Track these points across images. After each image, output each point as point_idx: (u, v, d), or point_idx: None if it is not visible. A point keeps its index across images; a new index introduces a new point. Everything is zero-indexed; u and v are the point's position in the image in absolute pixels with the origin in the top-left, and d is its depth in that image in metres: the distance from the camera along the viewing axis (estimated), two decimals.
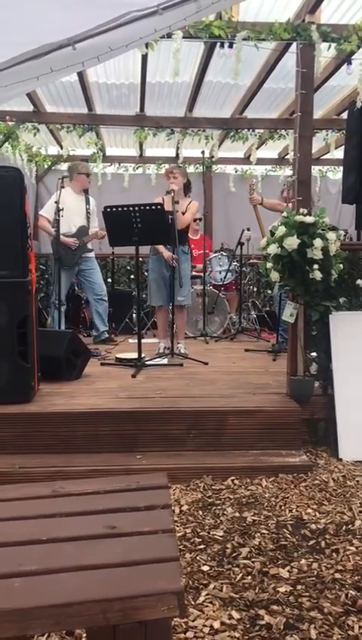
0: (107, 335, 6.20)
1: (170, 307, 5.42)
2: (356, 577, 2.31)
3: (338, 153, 6.76)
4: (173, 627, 2.00)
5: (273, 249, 3.73)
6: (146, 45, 3.99)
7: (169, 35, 3.86)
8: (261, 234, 5.48)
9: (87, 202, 6.08)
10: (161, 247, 5.25)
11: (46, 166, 8.43)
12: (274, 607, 2.10)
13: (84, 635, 1.82)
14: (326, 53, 4.01)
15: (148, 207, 4.55)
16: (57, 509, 1.41)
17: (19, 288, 3.75)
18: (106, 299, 6.15)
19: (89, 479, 1.68)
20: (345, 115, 5.63)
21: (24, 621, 0.99)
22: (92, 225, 6.06)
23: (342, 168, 5.07)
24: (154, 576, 1.07)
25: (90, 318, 7.21)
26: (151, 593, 1.01)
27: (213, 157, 7.92)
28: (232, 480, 3.29)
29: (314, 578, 2.30)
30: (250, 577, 2.31)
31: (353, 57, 4.32)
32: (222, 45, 4.10)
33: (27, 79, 2.60)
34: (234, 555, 2.49)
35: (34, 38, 2.45)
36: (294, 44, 3.95)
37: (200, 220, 7.16)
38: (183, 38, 3.95)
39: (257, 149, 7.66)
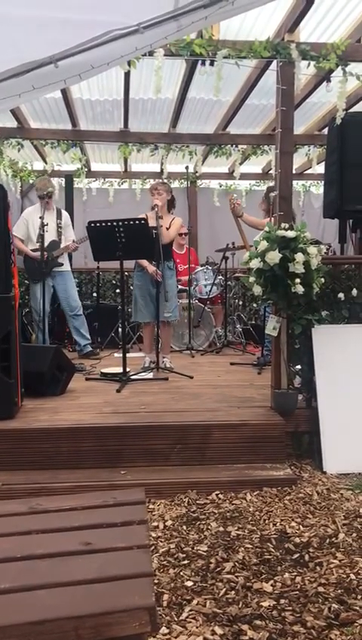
0: (90, 349, 6.16)
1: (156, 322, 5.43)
2: (339, 591, 2.31)
3: (321, 168, 6.83)
4: None
5: (255, 263, 3.76)
6: (128, 63, 4.03)
7: (151, 53, 3.91)
8: (245, 248, 5.51)
9: (59, 216, 6.06)
10: (145, 263, 5.26)
11: (31, 181, 8.44)
12: (258, 622, 2.10)
13: None
14: (305, 70, 4.07)
15: (131, 222, 4.57)
16: (33, 526, 1.40)
17: (2, 303, 3.73)
18: (81, 312, 6.13)
19: (67, 495, 1.67)
20: (326, 131, 5.71)
21: None
22: (65, 238, 6.04)
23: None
24: (127, 592, 1.07)
25: None
26: (123, 609, 1.00)
27: (196, 172, 7.99)
28: (217, 494, 3.28)
29: (297, 592, 2.30)
30: (233, 592, 2.31)
31: (332, 75, 4.39)
32: (203, 63, 4.15)
33: (9, 97, 2.62)
34: (218, 570, 2.48)
35: (15, 55, 2.46)
36: (274, 62, 4.01)
37: (186, 234, 7.20)
38: (165, 55, 4.00)
39: (240, 164, 7.73)
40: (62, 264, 5.97)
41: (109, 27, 2.46)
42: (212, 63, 4.03)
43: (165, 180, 6.86)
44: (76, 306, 6.07)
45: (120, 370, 4.80)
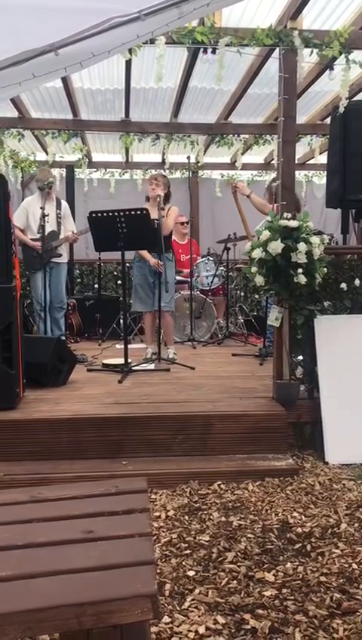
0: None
1: (157, 312, 5.41)
2: (341, 580, 2.31)
3: (323, 158, 6.79)
4: (158, 632, 1.99)
5: (257, 253, 3.74)
6: (130, 51, 4.00)
7: (152, 41, 3.87)
8: (247, 238, 5.49)
9: (58, 207, 6.01)
10: (146, 254, 5.23)
11: (32, 172, 8.41)
12: (260, 612, 2.10)
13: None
14: (308, 58, 4.03)
15: (133, 213, 4.55)
16: (35, 515, 1.39)
17: (3, 294, 3.72)
18: (65, 306, 6.21)
19: (68, 484, 1.66)
20: (328, 121, 5.67)
21: None
22: (65, 228, 6.01)
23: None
24: (129, 580, 1.06)
25: (78, 324, 7.21)
26: (125, 597, 1.00)
27: (198, 162, 7.95)
28: (219, 484, 3.28)
29: (299, 582, 2.30)
30: (235, 582, 2.31)
31: (335, 63, 4.35)
32: (205, 51, 4.11)
33: (9, 85, 2.59)
34: (220, 559, 2.48)
35: (16, 44, 2.44)
36: (277, 50, 3.98)
37: (187, 223, 7.17)
38: (166, 43, 3.96)
39: (242, 154, 7.69)
40: (60, 255, 5.96)
41: (110, 14, 2.43)
42: (214, 51, 3.99)
43: (165, 174, 6.81)
44: (63, 299, 6.15)
45: (121, 361, 4.79)
